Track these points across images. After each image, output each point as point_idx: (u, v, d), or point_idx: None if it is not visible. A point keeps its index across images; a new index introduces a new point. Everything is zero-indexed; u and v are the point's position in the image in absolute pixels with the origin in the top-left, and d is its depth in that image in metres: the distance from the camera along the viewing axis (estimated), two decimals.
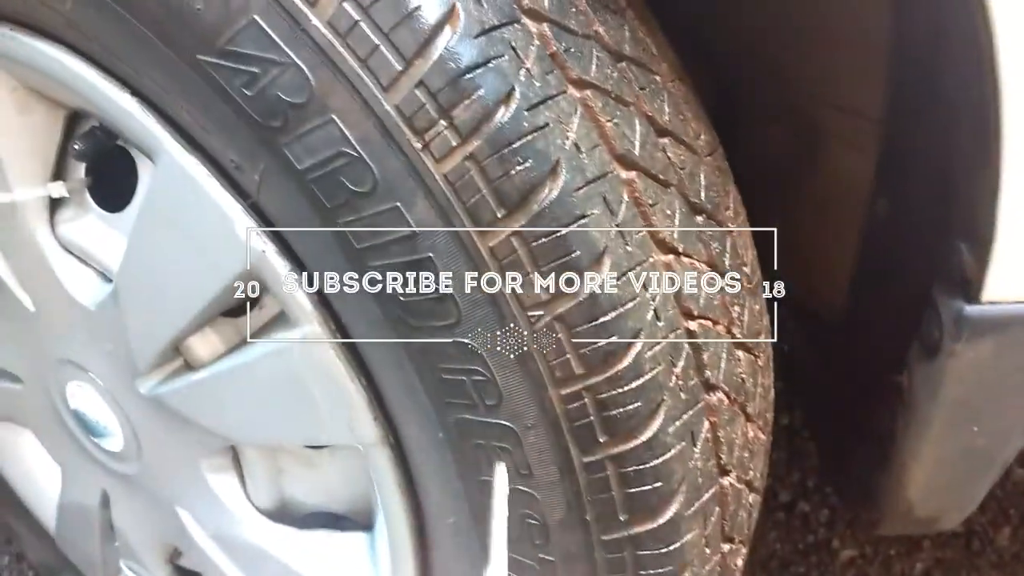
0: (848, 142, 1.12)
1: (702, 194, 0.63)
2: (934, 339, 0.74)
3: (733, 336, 0.64)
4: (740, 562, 0.71)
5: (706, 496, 0.62)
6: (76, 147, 0.73)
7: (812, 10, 0.98)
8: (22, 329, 0.87)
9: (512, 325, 0.54)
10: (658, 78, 0.62)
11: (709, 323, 0.61)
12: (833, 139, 1.14)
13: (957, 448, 0.81)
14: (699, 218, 0.62)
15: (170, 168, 0.62)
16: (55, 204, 0.78)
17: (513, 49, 0.52)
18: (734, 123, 1.24)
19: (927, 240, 0.78)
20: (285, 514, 0.83)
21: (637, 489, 0.58)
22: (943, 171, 0.73)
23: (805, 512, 1.54)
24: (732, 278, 0.65)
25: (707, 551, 0.64)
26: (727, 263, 0.64)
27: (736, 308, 0.65)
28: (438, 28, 0.50)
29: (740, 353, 0.65)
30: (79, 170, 0.77)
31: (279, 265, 0.62)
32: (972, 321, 0.70)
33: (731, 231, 0.66)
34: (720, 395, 0.62)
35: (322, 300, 0.62)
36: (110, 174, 0.76)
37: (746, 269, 0.68)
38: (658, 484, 0.58)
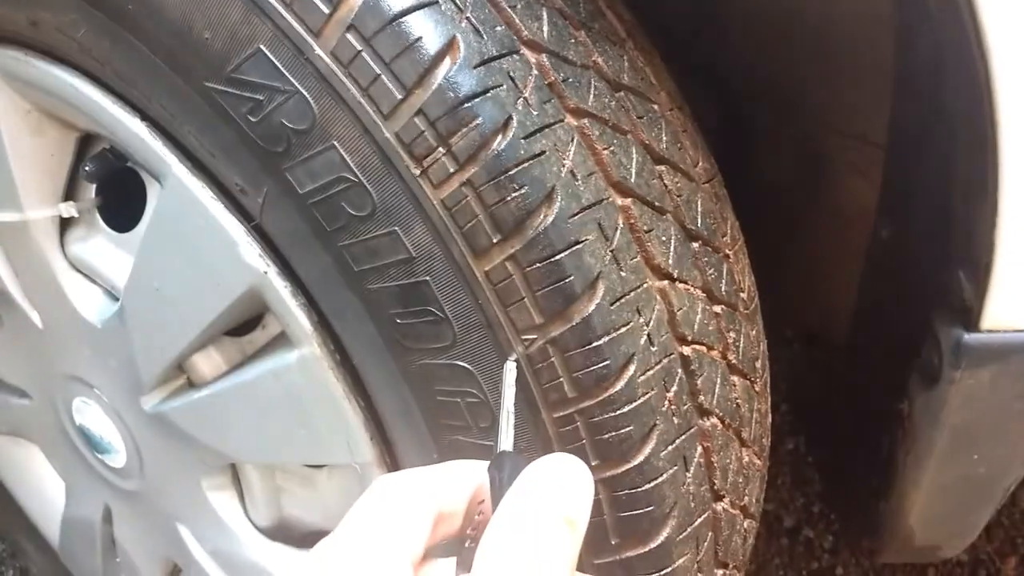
0: (854, 168, 1.13)
1: (698, 221, 0.64)
2: (934, 367, 0.75)
3: (728, 362, 0.65)
4: None
5: (699, 521, 0.62)
6: (87, 168, 0.75)
7: (818, 40, 0.99)
8: (31, 345, 0.89)
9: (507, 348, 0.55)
10: (656, 107, 0.64)
11: (704, 348, 0.62)
12: (839, 165, 1.15)
13: (958, 476, 0.81)
14: (695, 244, 0.63)
15: (177, 190, 0.64)
16: (65, 223, 0.79)
17: (511, 79, 0.54)
18: (741, 150, 1.25)
19: (927, 267, 0.78)
20: (283, 533, 0.83)
21: (629, 513, 0.58)
22: (943, 199, 0.73)
23: (809, 538, 1.53)
24: (728, 304, 0.65)
25: None
26: (723, 289, 0.65)
27: (732, 334, 0.65)
28: (438, 59, 0.52)
29: (735, 378, 0.66)
30: (89, 191, 0.78)
31: (280, 286, 0.63)
32: (971, 349, 0.70)
33: (728, 257, 0.67)
34: (714, 420, 0.63)
35: (322, 321, 0.63)
36: (119, 195, 0.77)
37: (743, 295, 0.69)
38: (650, 508, 0.58)
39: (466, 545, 0.39)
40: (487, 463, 0.42)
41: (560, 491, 0.37)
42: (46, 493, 1.17)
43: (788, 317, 1.48)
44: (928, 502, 0.84)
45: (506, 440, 0.45)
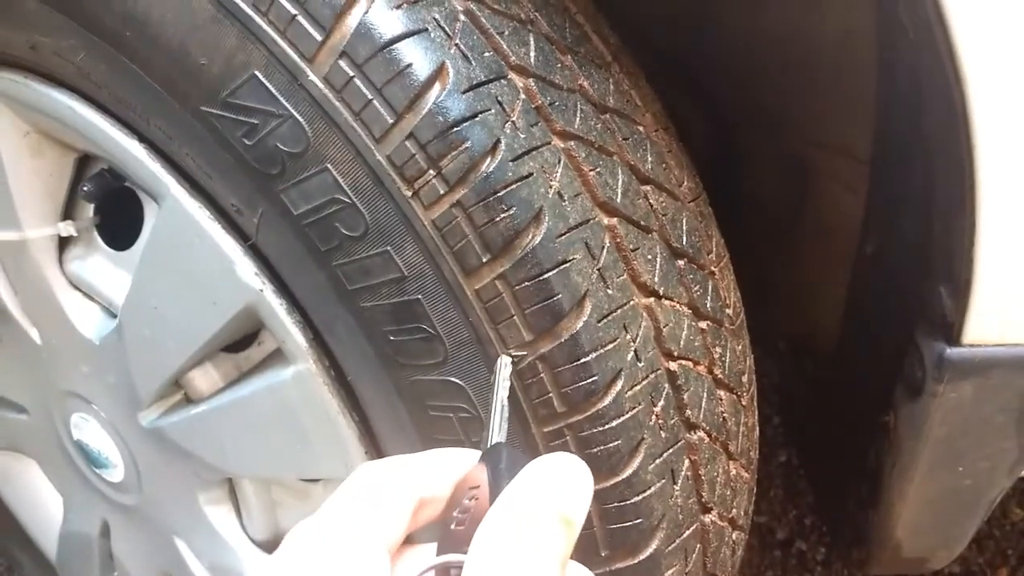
0: (841, 183, 1.15)
1: (684, 239, 0.65)
2: (917, 380, 0.76)
3: (714, 376, 0.66)
4: None
5: (687, 533, 0.63)
6: (85, 188, 0.76)
7: (805, 61, 1.01)
8: (29, 361, 0.90)
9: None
10: (641, 128, 0.65)
11: (690, 364, 0.63)
12: (826, 181, 1.17)
13: (943, 488, 0.82)
14: (681, 262, 0.65)
15: (174, 210, 0.65)
16: (64, 242, 0.81)
17: (499, 103, 0.55)
18: (732, 166, 1.27)
19: (910, 282, 0.79)
20: (279, 546, 0.84)
21: (618, 525, 0.59)
22: (925, 216, 0.75)
23: (802, 550, 1.54)
24: (713, 320, 0.67)
25: None
26: (708, 305, 0.66)
27: (718, 349, 0.67)
28: (428, 84, 0.53)
29: (722, 392, 0.67)
30: (87, 210, 0.80)
31: (276, 304, 0.64)
32: (953, 363, 0.71)
33: (714, 274, 0.69)
34: (701, 434, 0.64)
35: (317, 338, 0.65)
36: (117, 214, 0.79)
37: (728, 311, 0.70)
38: (638, 521, 0.60)
39: (451, 528, 0.39)
40: (471, 451, 0.43)
41: (561, 490, 0.38)
42: (44, 508, 1.17)
43: (777, 329, 1.50)
44: (914, 513, 0.85)
45: (500, 432, 0.45)
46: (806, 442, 1.47)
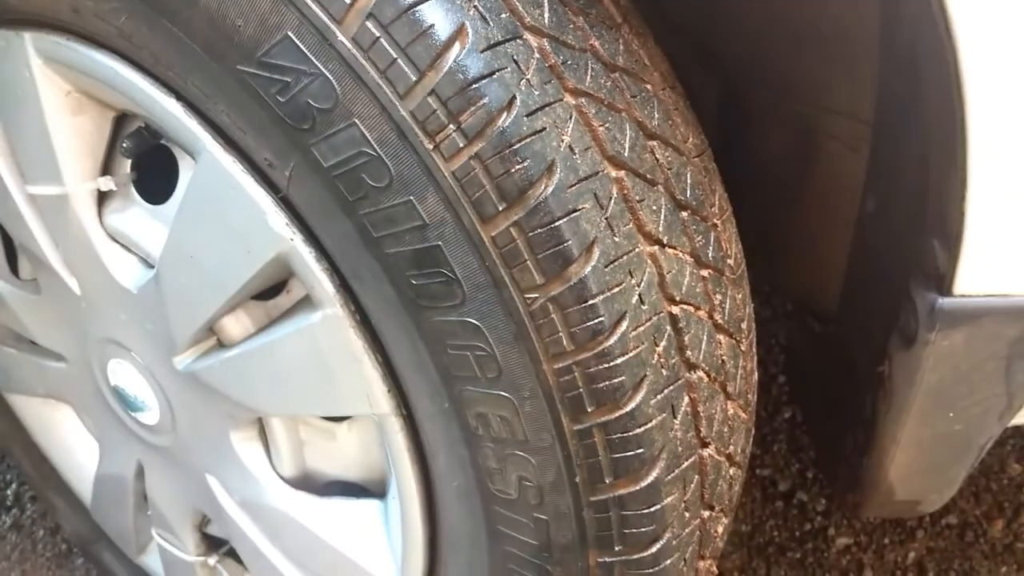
0: (844, 143, 1.18)
1: (688, 192, 0.69)
2: (911, 330, 0.80)
3: (714, 321, 0.71)
4: (721, 529, 0.78)
5: (685, 464, 0.68)
6: (123, 145, 0.81)
7: (813, 25, 1.03)
8: (68, 311, 0.95)
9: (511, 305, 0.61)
10: (649, 87, 0.69)
11: (691, 308, 0.68)
12: (832, 142, 1.20)
13: (934, 433, 0.86)
14: (684, 213, 0.69)
15: (210, 165, 0.70)
16: (103, 197, 0.85)
17: (515, 62, 0.59)
18: (738, 127, 1.30)
19: (907, 237, 0.83)
20: (306, 483, 0.90)
21: (621, 455, 0.65)
22: (922, 173, 0.78)
23: (803, 501, 1.60)
24: (715, 268, 0.71)
25: (687, 515, 0.71)
26: (710, 255, 0.71)
27: (718, 296, 0.71)
28: (449, 44, 0.57)
29: (721, 337, 0.71)
30: (126, 166, 0.84)
31: (305, 252, 0.69)
32: (945, 313, 0.75)
33: (716, 226, 0.73)
34: (700, 374, 0.69)
35: (343, 284, 0.69)
36: (154, 170, 0.83)
37: (730, 261, 0.74)
38: (640, 450, 0.65)
39: None
40: None
41: None
42: (79, 453, 1.24)
43: (784, 287, 1.54)
44: (907, 458, 0.90)
45: None
46: (807, 396, 1.51)
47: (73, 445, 1.24)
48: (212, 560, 1.11)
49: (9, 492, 1.63)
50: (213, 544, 1.11)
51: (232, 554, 1.08)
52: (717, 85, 1.27)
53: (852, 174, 1.08)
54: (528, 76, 0.59)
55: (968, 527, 1.56)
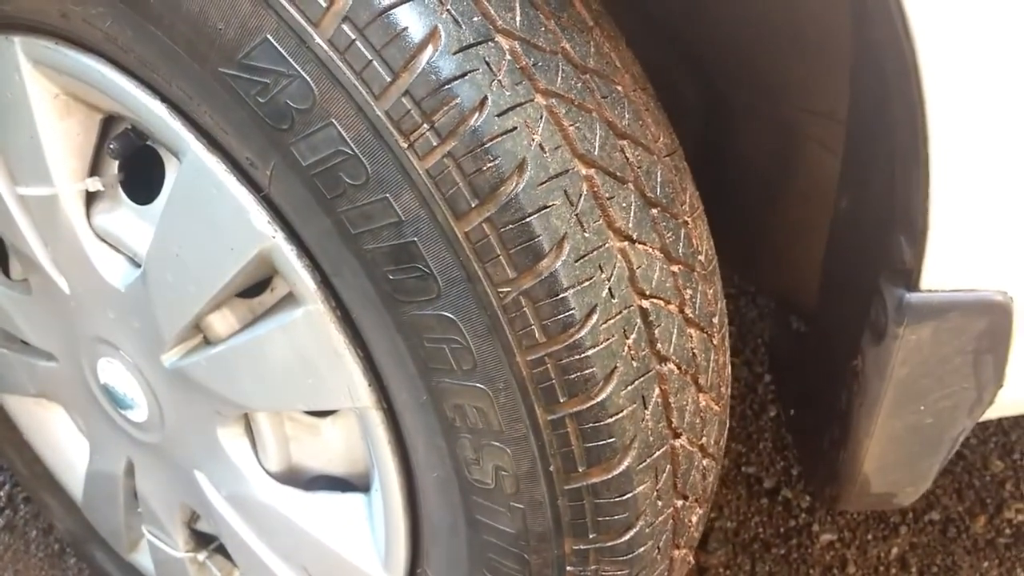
0: (822, 144, 1.20)
1: (658, 190, 0.71)
2: (881, 324, 0.82)
3: (685, 315, 0.73)
4: (695, 519, 0.79)
5: (657, 453, 0.70)
6: (110, 147, 0.83)
7: (790, 25, 1.06)
8: (58, 311, 0.97)
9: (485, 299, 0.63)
10: (620, 88, 0.71)
11: (661, 302, 0.70)
12: (809, 141, 1.22)
13: (906, 425, 0.88)
14: (654, 211, 0.71)
15: (194, 165, 0.72)
16: (91, 197, 0.87)
17: (487, 63, 0.61)
18: (720, 128, 1.33)
19: (877, 233, 0.85)
20: (292, 477, 0.92)
21: (593, 444, 0.67)
22: (890, 169, 0.80)
23: (788, 498, 1.62)
24: (685, 264, 0.73)
25: (659, 504, 0.73)
26: (680, 251, 0.73)
27: (688, 291, 0.73)
28: (422, 46, 0.60)
29: (691, 331, 0.74)
30: (113, 167, 0.86)
31: (287, 249, 0.71)
32: (912, 307, 0.77)
33: (687, 223, 0.75)
34: (671, 366, 0.71)
35: (324, 280, 0.71)
36: (140, 171, 0.85)
37: (701, 257, 0.76)
38: (612, 440, 0.67)
39: None
40: None
41: None
42: (71, 453, 1.25)
43: (767, 286, 1.56)
44: (880, 450, 0.91)
45: None
46: (789, 393, 1.53)
47: (65, 444, 1.25)
48: (201, 556, 1.12)
49: (2, 493, 1.65)
50: (202, 540, 1.13)
51: (221, 550, 1.10)
52: (699, 87, 1.30)
53: (830, 174, 1.10)
54: (499, 77, 0.61)
55: (951, 523, 1.58)
